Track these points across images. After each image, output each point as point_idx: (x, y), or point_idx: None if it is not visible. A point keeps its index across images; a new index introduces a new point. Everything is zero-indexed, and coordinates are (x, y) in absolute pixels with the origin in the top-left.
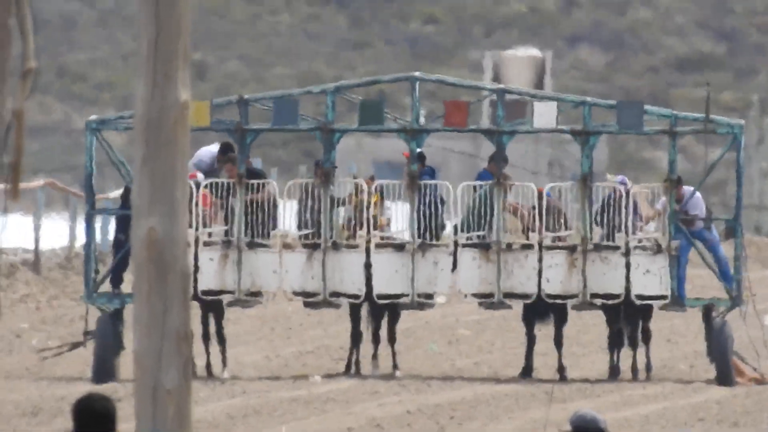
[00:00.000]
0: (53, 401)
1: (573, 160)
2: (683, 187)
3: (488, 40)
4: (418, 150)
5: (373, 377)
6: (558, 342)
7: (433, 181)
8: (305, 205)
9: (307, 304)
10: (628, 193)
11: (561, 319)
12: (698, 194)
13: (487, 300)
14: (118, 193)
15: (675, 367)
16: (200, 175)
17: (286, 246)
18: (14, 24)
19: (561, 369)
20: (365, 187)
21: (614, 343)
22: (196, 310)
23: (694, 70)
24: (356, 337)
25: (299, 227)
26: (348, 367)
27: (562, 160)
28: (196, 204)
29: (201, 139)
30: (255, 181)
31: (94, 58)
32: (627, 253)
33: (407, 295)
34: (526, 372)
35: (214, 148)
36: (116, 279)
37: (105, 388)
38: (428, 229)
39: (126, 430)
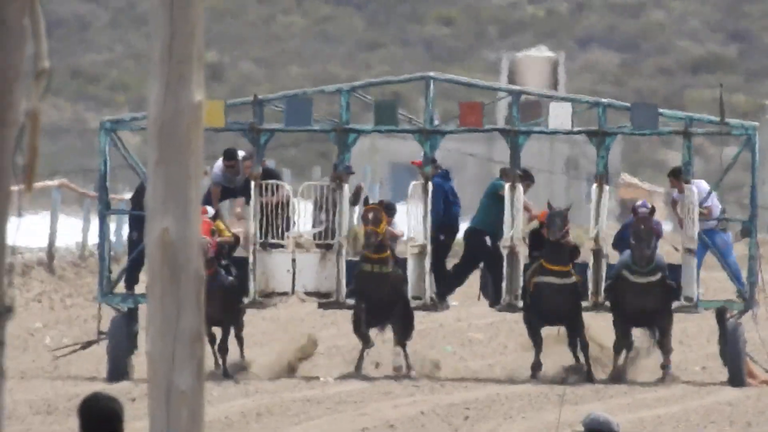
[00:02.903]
0: (67, 400)
1: (588, 160)
2: (694, 181)
3: (503, 42)
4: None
5: (386, 378)
6: (584, 346)
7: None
8: (320, 207)
9: (320, 305)
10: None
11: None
12: (714, 193)
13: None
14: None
15: (688, 369)
16: (210, 210)
17: (300, 246)
18: (28, 25)
19: (589, 373)
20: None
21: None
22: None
23: (707, 72)
24: (365, 338)
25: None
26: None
27: (578, 160)
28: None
29: (215, 139)
30: (270, 182)
31: (108, 59)
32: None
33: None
34: (535, 369)
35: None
36: (131, 279)
37: (119, 388)
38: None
39: (140, 429)
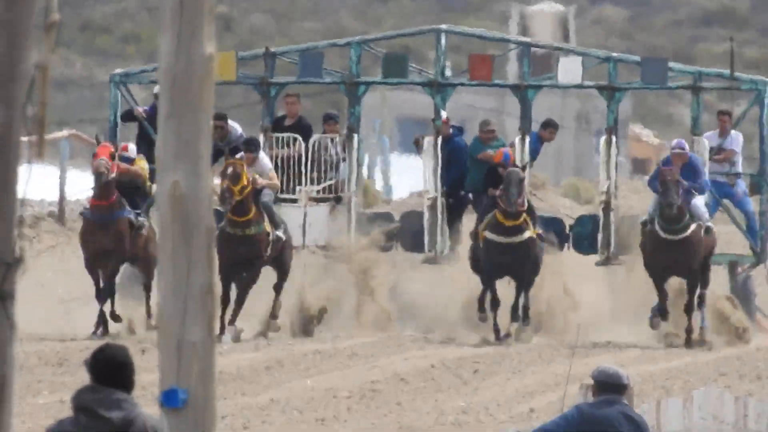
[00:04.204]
0: (78, 351)
1: (599, 114)
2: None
3: None
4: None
5: (397, 332)
6: (525, 304)
7: None
8: (327, 160)
9: (329, 257)
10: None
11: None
12: (740, 136)
13: None
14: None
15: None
16: (132, 147)
17: (311, 200)
18: None
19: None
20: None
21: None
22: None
23: (717, 26)
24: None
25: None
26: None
27: (590, 115)
28: None
29: (227, 92)
30: (285, 135)
31: (119, 10)
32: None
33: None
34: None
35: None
36: None
37: (130, 340)
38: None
39: (150, 381)
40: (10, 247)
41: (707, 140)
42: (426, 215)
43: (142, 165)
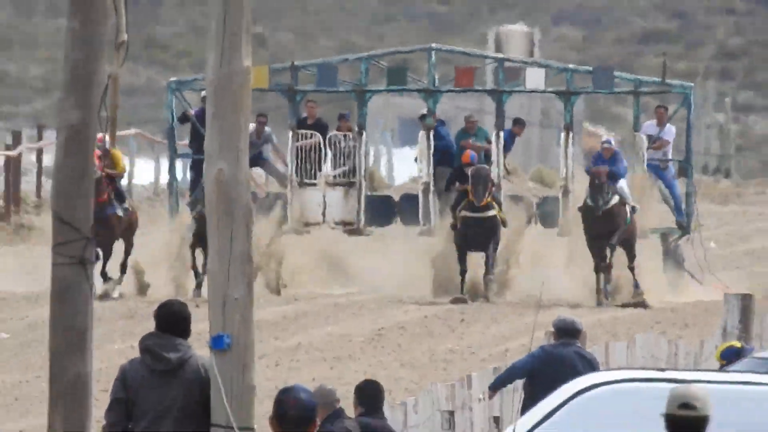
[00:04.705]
0: (146, 306)
1: (559, 113)
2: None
3: (490, 17)
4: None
5: (398, 289)
6: (491, 267)
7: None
8: (342, 152)
9: (345, 231)
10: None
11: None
12: (673, 128)
13: None
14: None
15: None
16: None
17: (329, 185)
18: (110, 4)
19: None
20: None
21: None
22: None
23: (653, 43)
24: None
25: (334, 169)
26: None
27: (551, 114)
28: None
29: (260, 98)
30: (303, 131)
31: (175, 32)
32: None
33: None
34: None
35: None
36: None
37: (186, 297)
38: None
39: (202, 329)
40: (89, 224)
41: (647, 128)
42: (420, 197)
43: (118, 157)
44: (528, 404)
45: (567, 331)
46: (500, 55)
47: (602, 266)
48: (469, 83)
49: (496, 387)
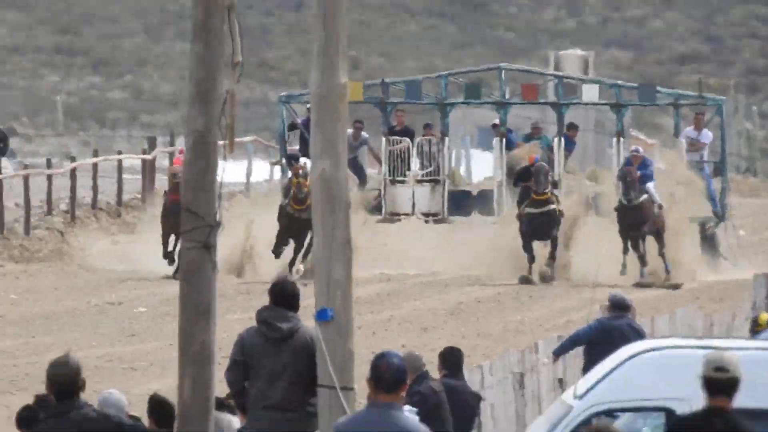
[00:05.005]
0: (262, 284)
1: (610, 122)
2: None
3: (551, 44)
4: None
5: (476, 270)
6: (552, 257)
7: None
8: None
9: (430, 221)
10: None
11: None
12: (709, 133)
13: None
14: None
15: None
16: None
17: (417, 182)
18: (227, 31)
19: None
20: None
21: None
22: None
23: (690, 63)
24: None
25: (422, 169)
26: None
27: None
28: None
29: (356, 109)
30: (394, 137)
31: (284, 54)
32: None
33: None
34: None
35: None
36: None
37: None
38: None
39: (309, 304)
40: (212, 213)
41: (686, 133)
42: (495, 192)
43: None
44: (587, 367)
45: (619, 306)
46: (560, 73)
47: (638, 256)
48: (533, 97)
49: (559, 353)
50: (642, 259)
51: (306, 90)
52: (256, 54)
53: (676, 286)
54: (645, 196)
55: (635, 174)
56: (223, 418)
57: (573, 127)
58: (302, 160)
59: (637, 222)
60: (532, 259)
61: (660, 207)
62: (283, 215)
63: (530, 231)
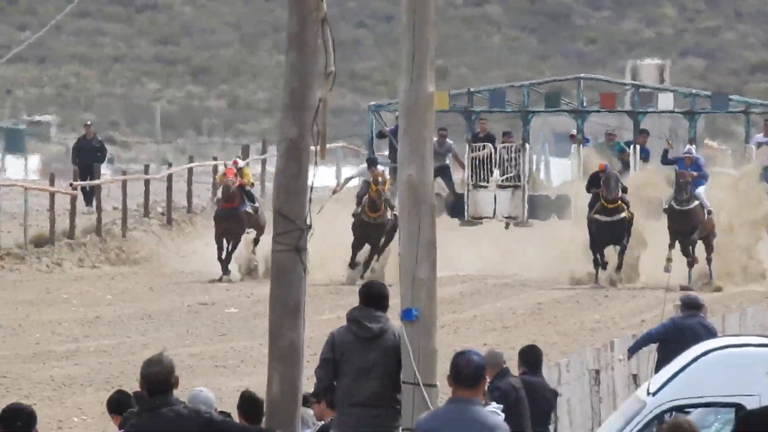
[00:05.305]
0: (351, 284)
1: (684, 129)
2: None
3: (628, 53)
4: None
5: (554, 271)
6: (621, 261)
7: None
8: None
9: (510, 224)
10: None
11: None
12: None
13: None
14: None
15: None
16: (240, 161)
17: (498, 187)
18: (320, 44)
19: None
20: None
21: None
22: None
23: (760, 73)
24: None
25: (503, 174)
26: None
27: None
28: None
29: (442, 117)
30: (477, 144)
31: (374, 65)
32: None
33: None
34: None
35: None
36: None
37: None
38: None
39: (395, 304)
40: (303, 217)
41: (757, 139)
42: (571, 196)
43: (246, 172)
44: (661, 364)
45: (691, 305)
46: (637, 83)
47: (687, 262)
48: (611, 105)
49: (633, 350)
50: (691, 265)
51: (394, 100)
52: (347, 64)
53: (718, 289)
54: (696, 203)
55: (689, 176)
56: (310, 413)
57: (643, 133)
58: (380, 167)
59: (688, 227)
60: (600, 263)
61: (710, 212)
62: (358, 224)
63: (599, 237)
